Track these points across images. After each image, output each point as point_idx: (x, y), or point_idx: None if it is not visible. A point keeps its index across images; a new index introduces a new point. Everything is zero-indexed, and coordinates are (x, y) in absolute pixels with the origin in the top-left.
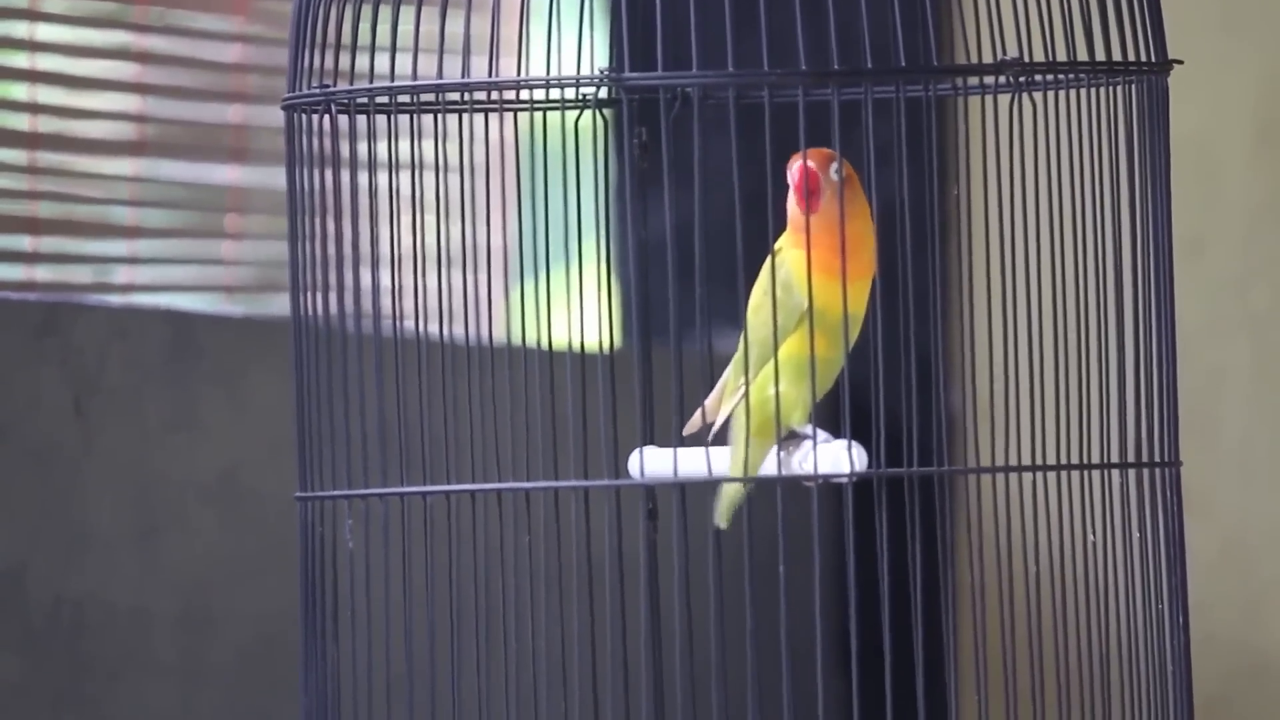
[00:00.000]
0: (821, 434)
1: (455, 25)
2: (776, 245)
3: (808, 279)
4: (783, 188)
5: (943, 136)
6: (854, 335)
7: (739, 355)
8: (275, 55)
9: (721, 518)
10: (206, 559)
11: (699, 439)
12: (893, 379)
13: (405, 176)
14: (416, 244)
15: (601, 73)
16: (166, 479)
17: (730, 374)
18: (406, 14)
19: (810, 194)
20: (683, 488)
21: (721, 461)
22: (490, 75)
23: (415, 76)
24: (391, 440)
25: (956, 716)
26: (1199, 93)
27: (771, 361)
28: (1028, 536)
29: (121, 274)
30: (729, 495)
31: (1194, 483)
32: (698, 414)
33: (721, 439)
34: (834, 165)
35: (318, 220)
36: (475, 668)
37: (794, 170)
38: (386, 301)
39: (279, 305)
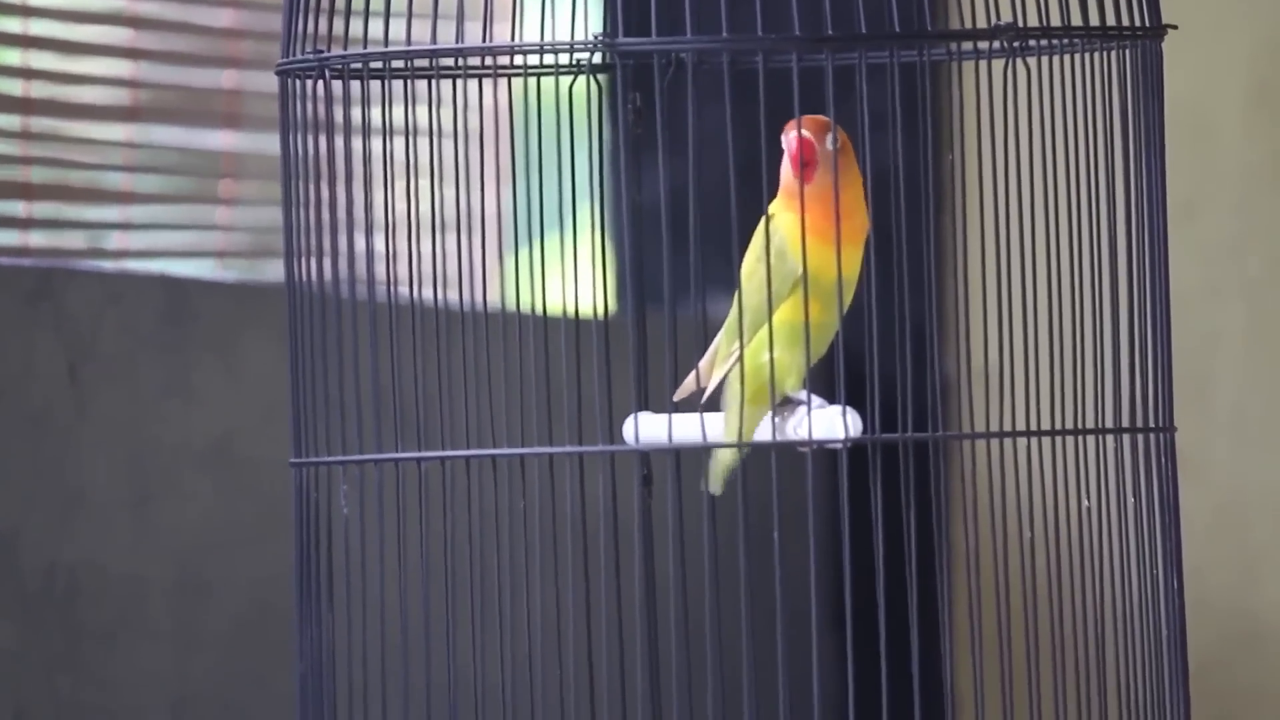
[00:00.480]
0: (816, 399)
1: None
2: (769, 210)
3: (801, 244)
4: (777, 153)
5: (937, 102)
6: (847, 300)
7: (731, 320)
8: (269, 20)
9: (714, 483)
10: (201, 525)
11: (692, 403)
12: (887, 345)
13: (400, 142)
14: (411, 209)
15: (596, 38)
16: (161, 445)
17: (723, 339)
18: None
19: (806, 164)
20: (678, 453)
21: (716, 427)
22: (484, 40)
23: (409, 41)
24: (386, 406)
25: (951, 682)
26: (1193, 57)
27: (765, 327)
28: (1022, 502)
29: (115, 239)
30: (722, 461)
31: (1189, 447)
32: (690, 377)
33: (714, 404)
34: (829, 134)
35: (312, 186)
36: (470, 634)
37: (790, 139)
38: (381, 267)
39: (274, 271)
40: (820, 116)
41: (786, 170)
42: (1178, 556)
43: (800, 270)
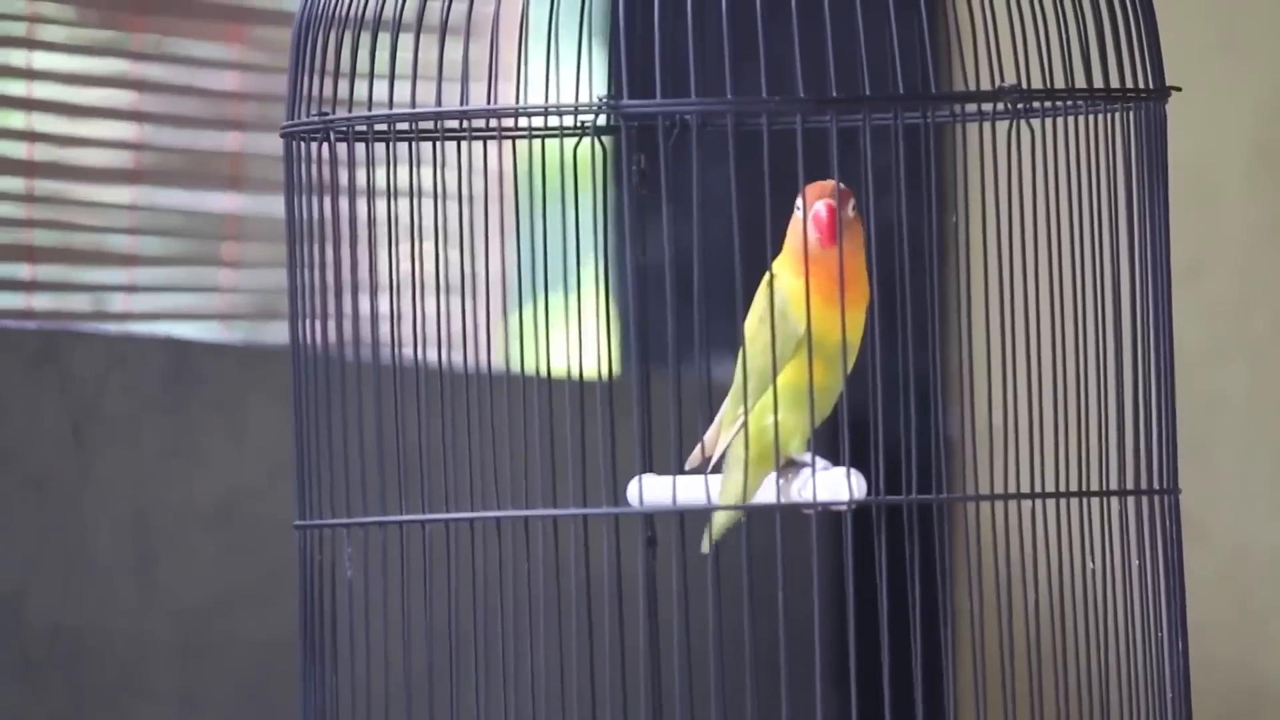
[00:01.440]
0: (820, 461)
1: (454, 52)
2: (772, 270)
3: (806, 307)
4: (782, 214)
5: (941, 163)
6: (851, 362)
7: (735, 386)
8: (273, 83)
9: (711, 536)
10: (205, 587)
11: (699, 472)
12: (892, 406)
13: (404, 204)
14: (415, 271)
15: (600, 100)
16: (165, 507)
17: (728, 405)
18: (405, 41)
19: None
20: (681, 516)
21: (719, 488)
22: (489, 102)
23: (414, 104)
24: (390, 468)
25: None
26: (1197, 118)
27: (770, 390)
28: (1027, 564)
29: (119, 302)
30: (718, 520)
31: (1193, 508)
32: (697, 449)
33: (720, 468)
34: (851, 203)
35: (316, 248)
36: (474, 696)
37: (820, 210)
38: (385, 329)
39: (277, 333)
40: (844, 188)
41: (796, 234)
42: (1182, 618)
43: (801, 331)
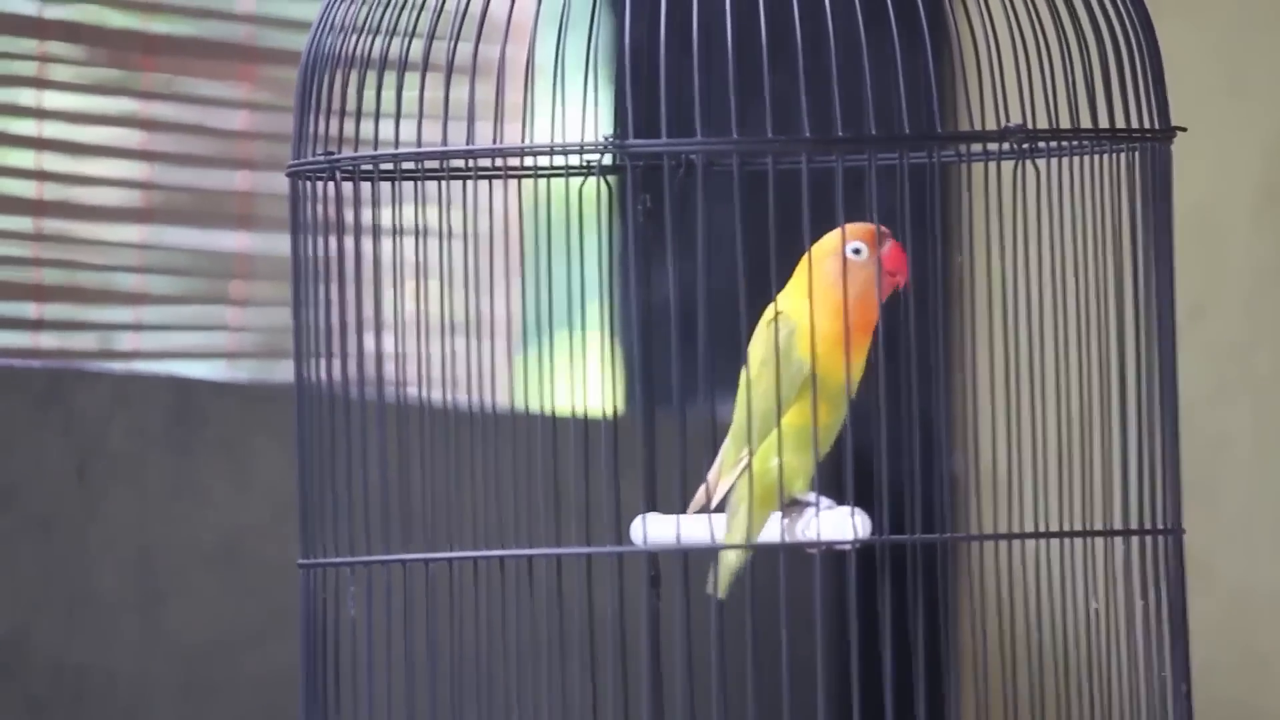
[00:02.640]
0: (824, 500)
1: (460, 92)
2: (777, 307)
3: (846, 355)
4: (787, 254)
5: (946, 203)
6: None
7: (737, 426)
8: (283, 122)
9: (720, 587)
10: (209, 626)
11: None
12: (896, 445)
13: (409, 243)
14: (420, 311)
15: (606, 139)
16: (169, 546)
17: (729, 446)
18: (411, 81)
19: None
20: (686, 555)
21: (722, 529)
22: (495, 142)
23: (420, 143)
24: (394, 507)
25: None
26: (1202, 158)
27: (774, 433)
28: (1030, 604)
29: (126, 341)
30: (728, 564)
31: (1197, 549)
32: (701, 491)
33: (723, 507)
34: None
35: (322, 287)
36: None
37: (889, 249)
38: (390, 368)
39: (283, 372)
40: (875, 226)
41: (829, 274)
42: (1186, 659)
43: (808, 371)
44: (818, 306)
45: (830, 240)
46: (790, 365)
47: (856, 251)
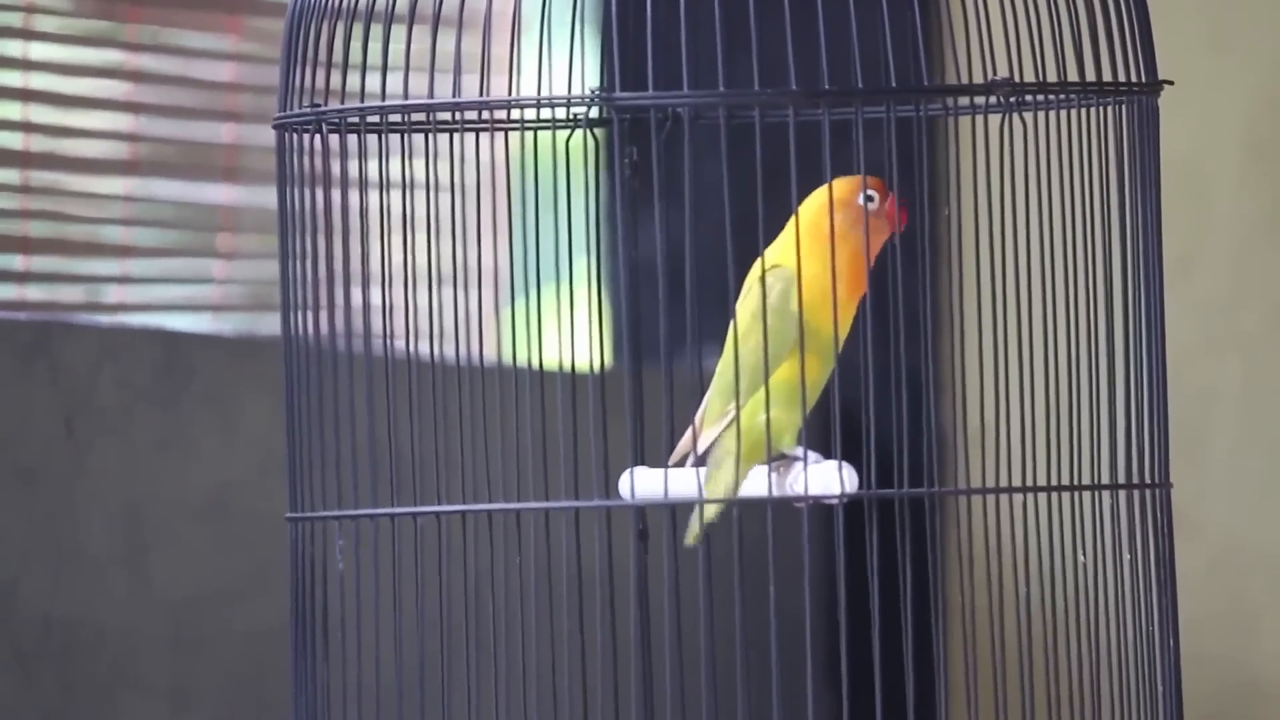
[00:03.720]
0: (812, 455)
1: (446, 44)
2: (768, 261)
3: (833, 302)
4: (775, 207)
5: (933, 156)
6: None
7: (725, 378)
8: (269, 74)
9: (691, 534)
10: (197, 579)
11: (685, 464)
12: (883, 400)
13: (396, 195)
14: (407, 263)
15: (592, 92)
16: (157, 499)
17: (714, 398)
18: (398, 33)
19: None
20: (673, 509)
21: (708, 482)
22: (481, 95)
23: (406, 96)
24: (382, 461)
25: None
26: (1189, 112)
27: (762, 388)
28: (1018, 557)
29: (113, 293)
30: (705, 513)
31: (1184, 502)
32: (686, 438)
33: (705, 460)
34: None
35: (309, 239)
36: (466, 689)
37: (890, 203)
38: (378, 321)
39: (270, 325)
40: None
41: (822, 225)
42: (1174, 612)
43: (799, 327)
44: (822, 259)
45: (841, 189)
46: (786, 319)
47: (869, 199)
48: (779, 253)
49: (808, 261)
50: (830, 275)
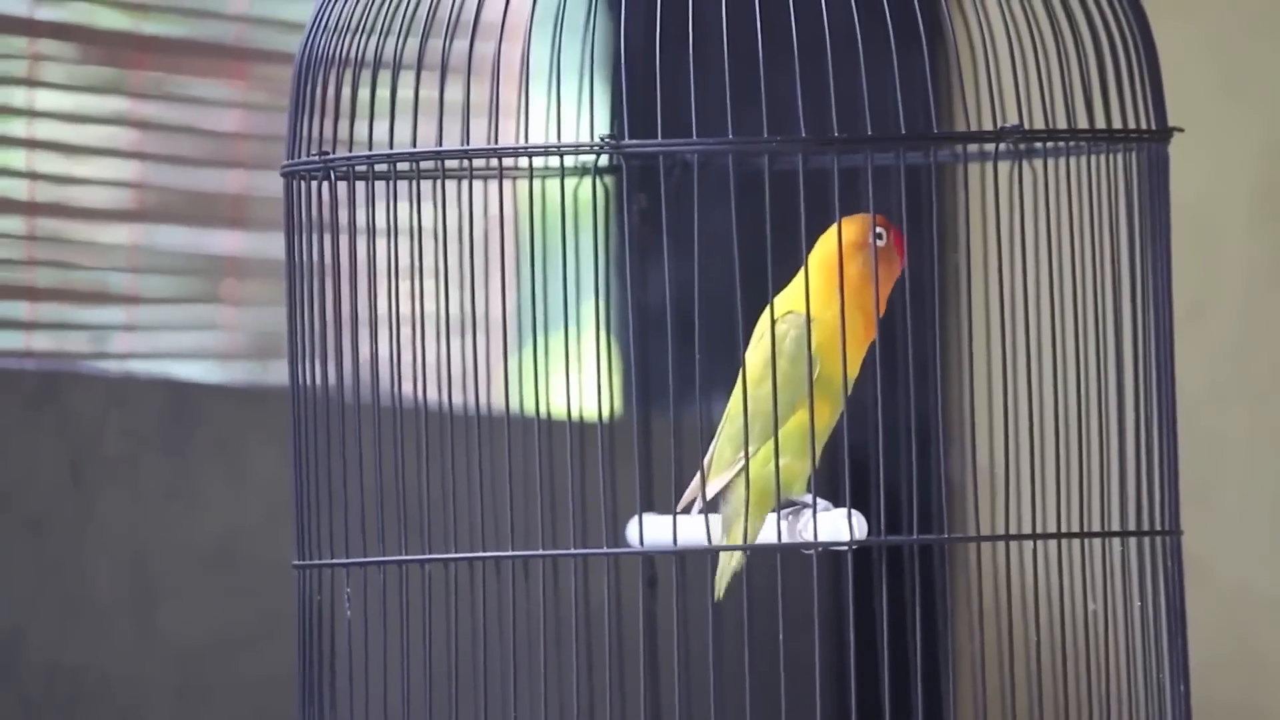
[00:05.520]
0: (821, 502)
1: (455, 92)
2: (780, 308)
3: (842, 348)
4: (783, 254)
5: (943, 203)
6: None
7: (733, 424)
8: (276, 122)
9: (719, 589)
10: (204, 628)
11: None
12: (893, 447)
13: (404, 243)
14: (415, 311)
15: (602, 140)
16: (164, 547)
17: (725, 447)
18: (406, 80)
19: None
20: (682, 556)
21: (719, 530)
22: (490, 142)
23: (415, 143)
24: (390, 508)
25: None
26: (1199, 158)
27: (771, 436)
28: (1028, 605)
29: (119, 342)
30: (728, 566)
31: (1194, 549)
32: (694, 484)
33: (714, 507)
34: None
35: (317, 287)
36: None
37: (887, 238)
38: (385, 369)
39: (277, 373)
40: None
41: (831, 267)
42: (1184, 658)
43: (818, 371)
44: (834, 304)
45: (851, 230)
46: (800, 366)
47: (879, 237)
48: (790, 299)
49: (820, 307)
50: (853, 317)
